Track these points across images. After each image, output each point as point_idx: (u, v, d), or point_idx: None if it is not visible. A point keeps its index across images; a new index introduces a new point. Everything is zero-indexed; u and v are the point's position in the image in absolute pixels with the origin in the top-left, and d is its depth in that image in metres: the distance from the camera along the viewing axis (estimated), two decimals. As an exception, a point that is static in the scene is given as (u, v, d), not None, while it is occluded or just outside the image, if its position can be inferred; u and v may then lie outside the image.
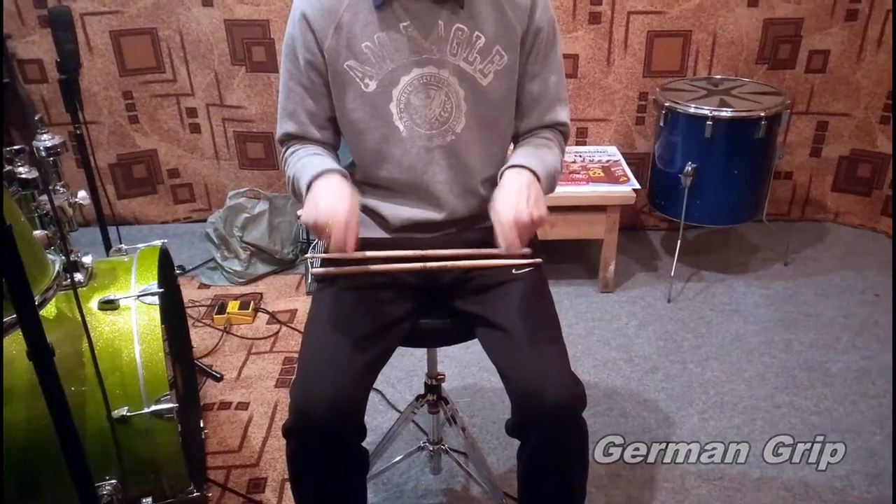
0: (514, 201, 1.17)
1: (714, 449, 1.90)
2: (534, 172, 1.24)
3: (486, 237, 1.39)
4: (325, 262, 1.41)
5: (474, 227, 1.42)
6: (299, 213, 1.19)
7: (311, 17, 1.27)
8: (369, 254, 1.25)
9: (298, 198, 1.27)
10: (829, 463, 1.85)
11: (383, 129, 1.32)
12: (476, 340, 1.38)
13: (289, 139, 1.38)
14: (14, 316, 1.13)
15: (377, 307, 1.32)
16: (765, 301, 2.55)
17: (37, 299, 1.19)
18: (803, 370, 2.20)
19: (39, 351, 1.05)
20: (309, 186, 1.21)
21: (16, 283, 1.00)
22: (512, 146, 1.46)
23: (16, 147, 1.37)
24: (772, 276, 2.70)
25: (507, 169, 1.26)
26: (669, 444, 1.92)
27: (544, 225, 1.19)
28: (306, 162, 1.28)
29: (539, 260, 1.35)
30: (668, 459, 1.88)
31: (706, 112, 2.38)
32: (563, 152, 1.41)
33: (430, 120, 1.31)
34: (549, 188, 1.32)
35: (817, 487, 1.79)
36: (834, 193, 3.03)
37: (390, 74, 1.29)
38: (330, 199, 1.16)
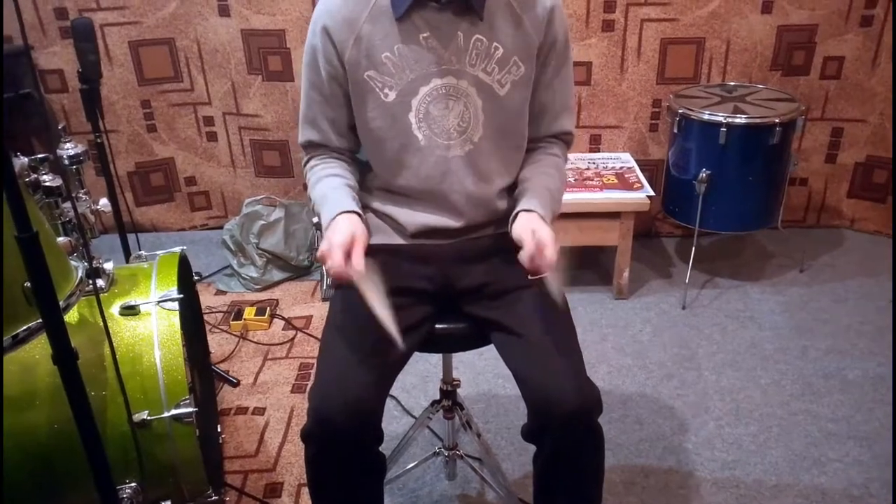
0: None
1: (730, 456, 1.90)
2: (541, 216, 1.28)
3: (502, 244, 1.41)
4: None
5: (490, 233, 1.43)
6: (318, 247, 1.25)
7: (332, 29, 1.29)
8: None
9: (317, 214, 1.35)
10: (846, 471, 1.84)
11: (402, 139, 1.34)
12: (490, 347, 1.39)
13: (310, 146, 1.42)
14: (38, 321, 1.16)
15: (393, 313, 1.33)
16: (780, 308, 2.54)
17: (61, 304, 1.22)
18: (819, 377, 2.19)
19: (64, 355, 1.07)
20: (329, 223, 1.27)
21: (42, 288, 1.03)
22: None
23: (40, 156, 1.39)
24: (787, 282, 2.69)
25: (517, 213, 1.31)
26: (685, 452, 1.92)
27: (549, 245, 1.21)
28: (327, 192, 1.33)
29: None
30: (683, 467, 1.87)
31: (720, 119, 2.38)
32: (566, 162, 1.47)
33: (448, 130, 1.33)
34: (555, 214, 1.37)
35: (834, 495, 1.77)
36: (850, 200, 3.01)
37: (410, 85, 1.30)
38: (343, 231, 1.22)
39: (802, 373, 2.21)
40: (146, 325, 1.49)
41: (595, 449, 1.29)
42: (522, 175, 1.41)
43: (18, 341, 1.16)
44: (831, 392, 2.12)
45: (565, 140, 1.46)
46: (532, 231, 1.21)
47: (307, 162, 1.43)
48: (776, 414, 2.05)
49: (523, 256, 1.20)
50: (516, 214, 1.31)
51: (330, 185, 1.35)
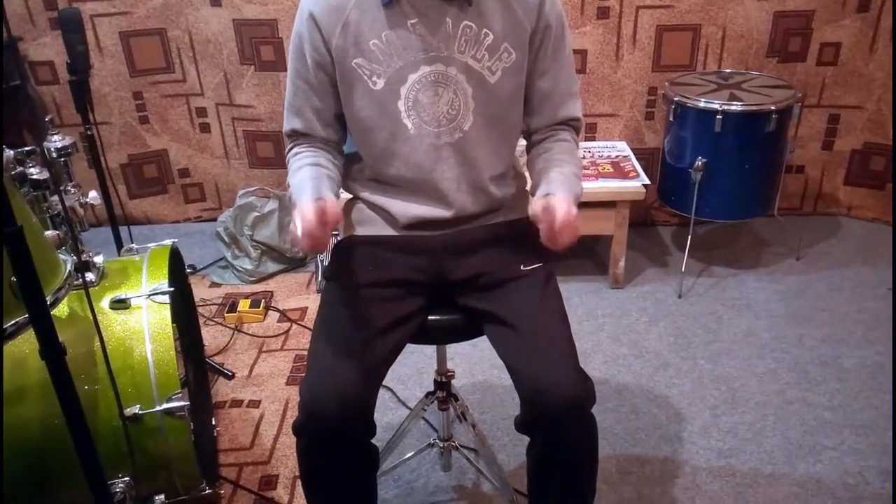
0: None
1: (726, 445, 1.90)
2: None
3: (494, 234, 1.40)
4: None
5: (482, 224, 1.42)
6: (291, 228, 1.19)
7: (319, 16, 1.27)
8: None
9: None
10: (841, 459, 1.84)
11: (391, 127, 1.32)
12: (485, 337, 1.38)
13: (295, 135, 1.41)
14: (26, 316, 1.15)
15: (386, 304, 1.33)
16: (777, 296, 2.53)
17: (49, 299, 1.20)
18: (816, 365, 2.19)
19: (51, 350, 1.06)
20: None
21: (28, 283, 1.01)
22: (524, 143, 1.46)
23: (27, 148, 1.38)
24: (784, 270, 2.69)
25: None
26: (680, 441, 1.91)
27: (577, 228, 1.23)
28: (307, 182, 1.28)
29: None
30: (679, 456, 1.87)
31: (716, 106, 2.36)
32: (578, 147, 1.42)
33: (437, 117, 1.31)
34: (577, 196, 1.33)
35: (830, 483, 1.77)
36: (846, 187, 3.00)
37: (398, 72, 1.29)
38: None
39: (798, 361, 2.21)
40: (137, 319, 1.48)
41: (588, 440, 1.29)
42: (535, 167, 1.38)
43: (7, 336, 1.15)
44: (827, 380, 2.12)
45: (573, 126, 1.43)
46: (546, 208, 1.19)
47: (291, 149, 1.41)
48: (772, 402, 2.04)
49: (542, 236, 1.21)
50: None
51: (311, 175, 1.30)
